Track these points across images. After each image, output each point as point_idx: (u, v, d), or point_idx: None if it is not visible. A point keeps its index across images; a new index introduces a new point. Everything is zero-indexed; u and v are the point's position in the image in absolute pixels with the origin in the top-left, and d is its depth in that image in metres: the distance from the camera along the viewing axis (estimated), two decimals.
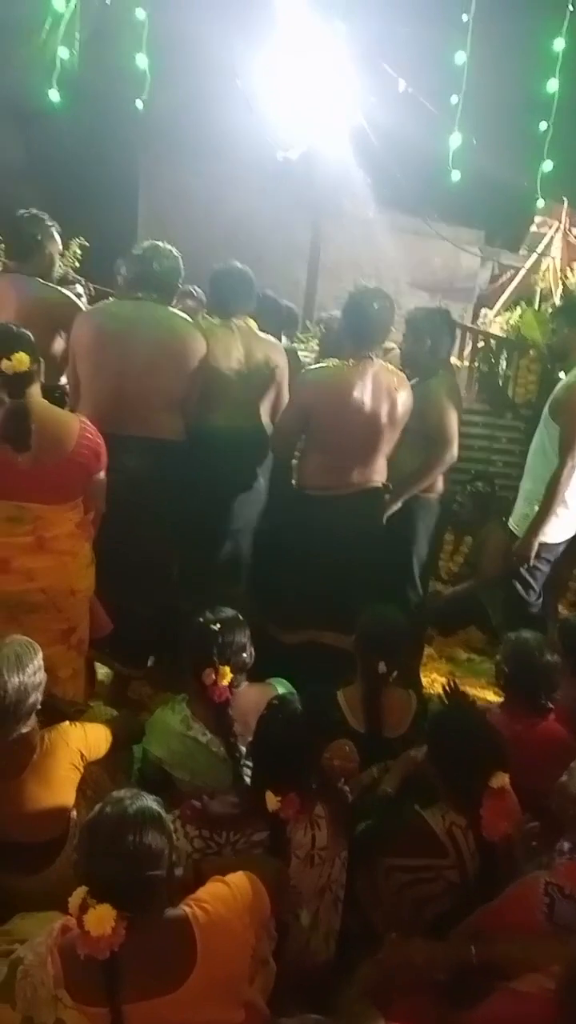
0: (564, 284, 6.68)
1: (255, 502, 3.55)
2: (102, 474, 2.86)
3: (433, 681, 4.21)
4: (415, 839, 2.15)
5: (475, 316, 7.96)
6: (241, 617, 2.62)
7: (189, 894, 1.69)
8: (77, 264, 5.37)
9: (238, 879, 1.74)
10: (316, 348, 4.70)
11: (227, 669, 2.43)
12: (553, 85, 4.35)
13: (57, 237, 3.62)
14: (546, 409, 3.74)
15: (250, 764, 2.42)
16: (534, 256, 7.28)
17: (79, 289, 3.69)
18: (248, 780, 2.38)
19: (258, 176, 8.68)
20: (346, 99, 5.69)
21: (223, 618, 2.55)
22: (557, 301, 6.37)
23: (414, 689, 3.04)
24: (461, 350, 6.18)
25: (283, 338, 4.32)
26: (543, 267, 7.09)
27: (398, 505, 3.59)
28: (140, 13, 3.94)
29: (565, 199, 6.98)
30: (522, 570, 3.82)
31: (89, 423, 2.82)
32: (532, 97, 4.60)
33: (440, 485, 3.82)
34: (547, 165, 4.62)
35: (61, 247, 3.66)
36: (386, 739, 2.70)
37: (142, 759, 2.57)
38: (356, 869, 2.19)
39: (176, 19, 4.56)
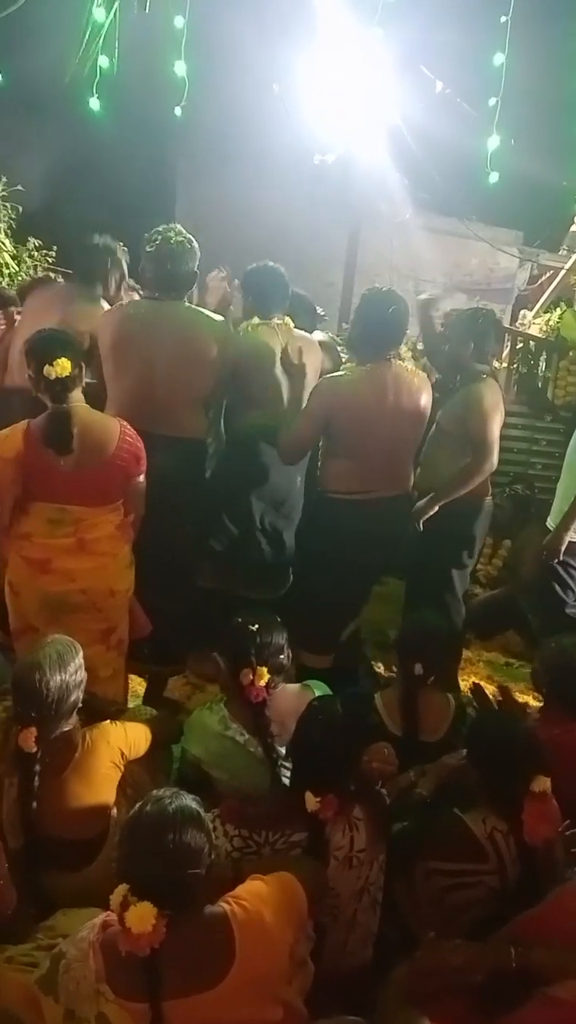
0: None
1: (297, 500, 3.57)
2: (142, 477, 2.89)
3: (478, 683, 4.18)
4: (456, 843, 2.14)
5: (514, 317, 7.89)
6: (279, 619, 2.63)
7: (228, 892, 1.70)
8: None
9: (277, 879, 1.75)
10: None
11: (264, 670, 2.44)
12: None
13: (124, 264, 3.64)
14: None
15: (288, 765, 2.44)
16: (575, 257, 7.19)
17: (135, 296, 3.71)
18: (286, 781, 2.39)
19: (295, 181, 8.71)
20: (383, 102, 5.68)
21: (261, 619, 2.56)
22: None
23: (452, 694, 3.02)
24: (500, 352, 6.13)
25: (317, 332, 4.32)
26: None
27: (435, 510, 3.50)
28: (179, 20, 3.98)
29: None
30: (559, 570, 3.79)
31: (129, 427, 2.85)
32: (571, 98, 4.56)
33: (482, 487, 3.78)
34: None
35: (127, 272, 3.68)
36: (423, 743, 2.68)
37: (181, 759, 2.59)
38: (394, 871, 2.19)
39: (214, 26, 4.60)
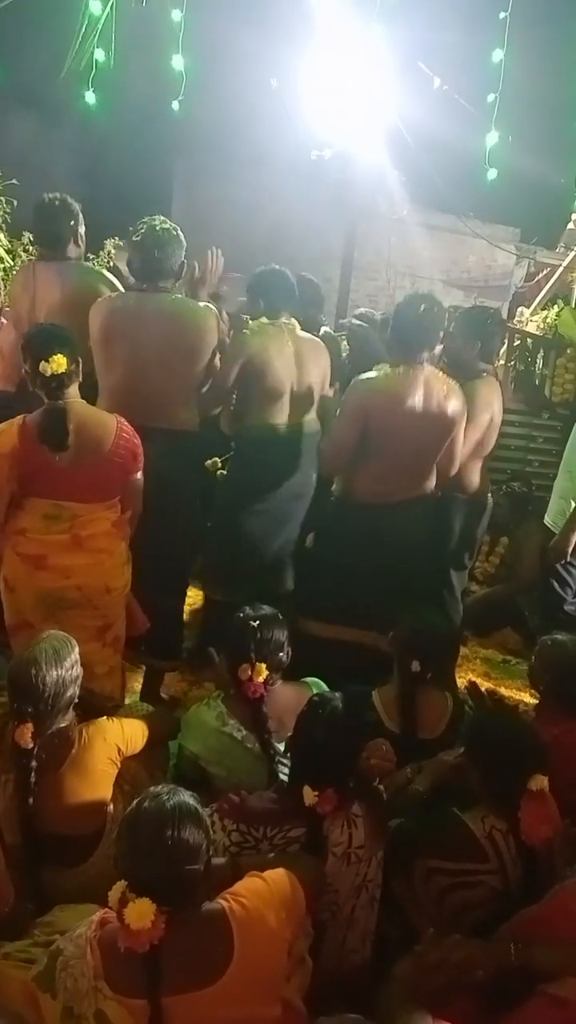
0: None
1: (307, 498, 3.59)
2: (139, 474, 2.88)
3: (473, 680, 4.19)
4: (456, 842, 2.14)
5: (511, 315, 7.89)
6: (281, 616, 2.63)
7: (226, 889, 1.70)
8: (111, 263, 5.42)
9: (275, 875, 1.74)
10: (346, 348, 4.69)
11: (263, 666, 2.44)
12: None
13: (81, 217, 3.58)
14: None
15: (285, 762, 2.44)
16: (572, 254, 7.19)
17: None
18: (283, 777, 2.39)
19: (292, 177, 8.70)
20: (381, 98, 5.67)
21: (263, 615, 2.56)
22: None
23: (449, 691, 3.02)
24: (500, 351, 6.14)
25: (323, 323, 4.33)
26: None
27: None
28: (176, 15, 3.96)
29: None
30: (559, 567, 3.80)
31: (126, 423, 2.84)
32: (570, 95, 4.56)
33: (478, 484, 3.79)
34: None
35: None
36: (421, 740, 2.68)
37: (178, 755, 2.59)
38: (393, 868, 2.19)
39: (211, 21, 4.58)
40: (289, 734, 2.47)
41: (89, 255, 3.64)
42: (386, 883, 2.17)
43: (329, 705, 2.18)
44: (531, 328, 6.28)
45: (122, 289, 3.45)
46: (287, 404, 3.46)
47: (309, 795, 1.99)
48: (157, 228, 3.17)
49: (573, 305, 6.50)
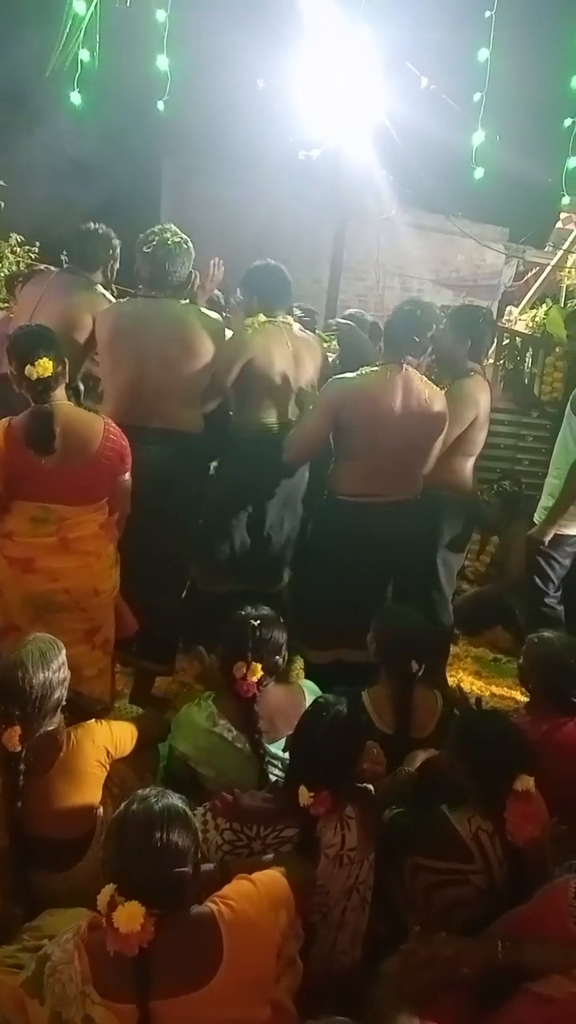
0: None
1: (299, 494, 3.59)
2: (127, 476, 2.88)
3: (459, 681, 4.19)
4: (442, 842, 2.13)
5: (500, 314, 7.91)
6: (281, 619, 2.62)
7: (215, 891, 1.69)
8: None
9: (264, 877, 1.74)
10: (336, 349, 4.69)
11: (258, 666, 2.43)
12: None
13: (118, 253, 3.64)
14: (569, 404, 3.73)
15: (275, 763, 2.43)
16: (560, 253, 7.22)
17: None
18: (273, 778, 2.39)
19: (281, 177, 8.70)
20: (368, 98, 5.67)
21: (263, 615, 2.56)
22: None
23: (439, 689, 3.01)
24: (489, 350, 6.15)
25: None
26: (569, 264, 7.03)
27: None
28: (161, 15, 3.95)
29: None
30: (542, 562, 3.83)
31: (114, 424, 2.84)
32: (556, 93, 4.55)
33: (468, 483, 3.79)
34: (572, 161, 4.56)
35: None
36: (413, 740, 2.68)
37: (168, 756, 2.58)
38: (385, 865, 2.18)
39: (197, 21, 4.57)
40: (279, 736, 2.47)
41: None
42: (378, 880, 2.16)
43: (333, 708, 2.18)
44: (520, 327, 6.30)
45: None
46: (285, 403, 3.47)
47: (304, 796, 1.99)
48: (169, 241, 3.20)
49: (562, 304, 6.52)
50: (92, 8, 3.77)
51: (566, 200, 4.98)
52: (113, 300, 3.57)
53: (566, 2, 4.66)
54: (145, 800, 1.63)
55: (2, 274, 5.38)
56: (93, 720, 2.33)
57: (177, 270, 3.23)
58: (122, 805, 1.66)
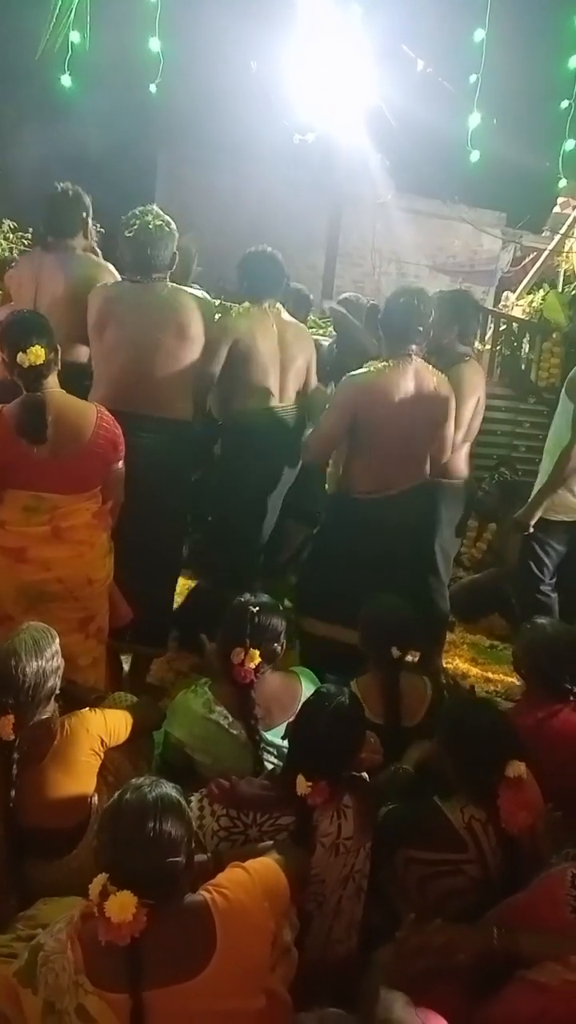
0: None
1: (288, 483, 3.58)
2: (120, 464, 2.86)
3: (456, 668, 4.20)
4: (434, 833, 2.13)
5: (497, 299, 7.88)
6: (280, 607, 2.61)
7: (209, 880, 1.69)
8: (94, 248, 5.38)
9: (258, 865, 1.73)
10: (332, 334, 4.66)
11: (256, 653, 2.43)
12: (575, 62, 4.26)
13: (91, 210, 3.60)
14: (564, 389, 3.71)
15: (271, 750, 2.43)
16: (557, 237, 7.18)
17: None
18: (269, 766, 2.38)
19: (276, 164, 8.64)
20: (363, 81, 5.62)
21: (262, 602, 2.55)
22: None
23: (434, 677, 3.01)
24: (483, 334, 6.12)
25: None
26: (566, 248, 7.00)
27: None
28: None
29: None
30: (537, 548, 3.82)
31: (107, 412, 2.82)
32: (553, 75, 4.52)
33: (464, 469, 3.78)
34: (569, 144, 4.54)
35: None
36: (403, 728, 2.67)
37: (163, 743, 2.57)
38: (379, 857, 2.18)
39: (189, 3, 4.53)
40: (275, 723, 2.47)
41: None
42: (373, 871, 2.16)
43: (335, 699, 2.17)
44: (517, 312, 6.28)
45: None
46: (273, 389, 3.45)
47: (302, 785, 1.98)
48: (150, 225, 3.16)
49: (559, 289, 6.49)
50: None
51: (563, 184, 4.96)
52: (103, 263, 3.54)
53: None
54: (139, 789, 1.62)
55: None
56: (87, 709, 2.32)
57: (160, 253, 3.18)
58: (116, 794, 1.65)
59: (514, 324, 6.20)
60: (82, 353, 3.39)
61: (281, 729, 2.44)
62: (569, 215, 7.39)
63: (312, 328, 5.26)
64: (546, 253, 7.36)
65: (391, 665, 2.72)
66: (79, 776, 2.17)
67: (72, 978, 1.52)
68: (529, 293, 6.79)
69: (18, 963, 1.62)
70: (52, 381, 2.69)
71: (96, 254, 3.61)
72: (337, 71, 5.46)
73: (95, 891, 1.53)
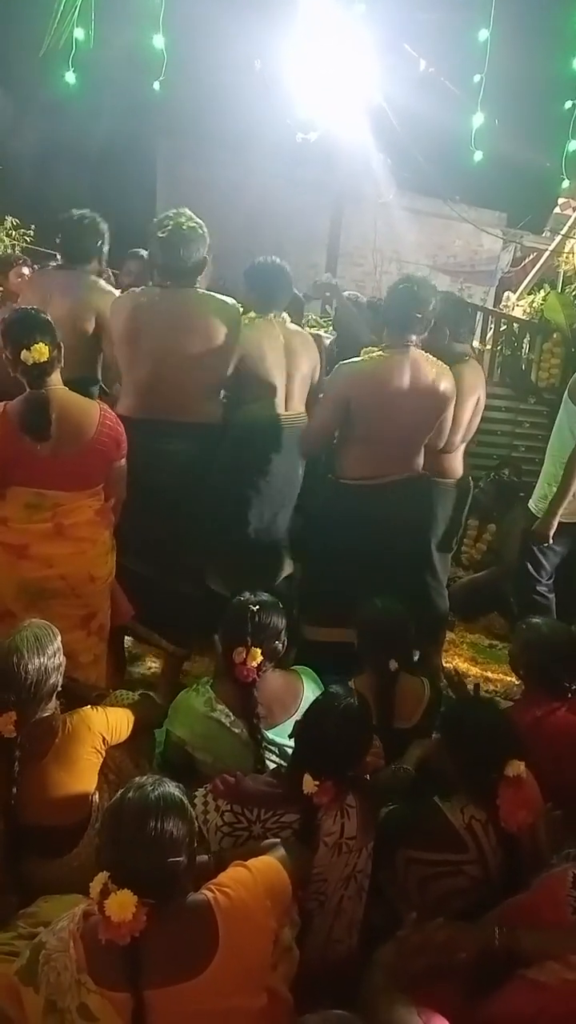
0: None
1: (295, 489, 3.57)
2: (122, 461, 2.86)
3: (455, 667, 4.20)
4: (434, 833, 2.13)
5: (497, 299, 7.89)
6: (281, 605, 2.61)
7: (211, 879, 1.69)
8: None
9: (260, 864, 1.73)
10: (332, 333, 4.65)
11: (258, 651, 2.43)
12: None
13: (107, 236, 3.62)
14: (567, 391, 3.72)
15: (272, 749, 2.43)
16: (558, 238, 7.18)
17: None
18: (270, 765, 2.38)
19: (278, 162, 8.63)
20: (366, 80, 5.61)
21: (262, 600, 2.55)
22: None
23: (432, 678, 3.01)
24: (483, 334, 6.13)
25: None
26: (567, 249, 7.00)
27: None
28: None
29: None
30: (535, 550, 3.83)
31: (110, 410, 2.83)
32: (556, 76, 4.52)
33: (459, 470, 3.78)
34: (572, 145, 4.54)
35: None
36: (398, 730, 2.67)
37: (165, 741, 2.57)
38: (379, 858, 2.18)
39: (193, 1, 4.52)
40: (276, 722, 2.47)
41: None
42: (373, 872, 2.16)
43: (344, 699, 2.17)
44: (517, 313, 6.28)
45: None
46: (278, 397, 3.44)
47: (309, 783, 1.98)
48: (184, 226, 3.13)
49: (559, 290, 6.49)
50: None
51: (566, 184, 4.96)
52: (113, 291, 3.55)
53: None
54: (141, 788, 1.62)
55: None
56: (89, 706, 2.32)
57: (192, 256, 3.15)
58: (119, 793, 1.65)
59: (514, 324, 6.20)
60: (86, 373, 3.46)
61: (282, 728, 2.45)
62: (570, 216, 7.40)
63: (313, 328, 5.26)
64: (547, 254, 7.36)
65: (388, 674, 2.70)
66: (80, 774, 2.17)
67: (74, 977, 1.52)
68: (530, 294, 6.79)
69: (19, 961, 1.62)
70: (55, 379, 2.68)
71: (110, 280, 3.62)
72: (339, 69, 5.45)
73: (96, 889, 1.53)
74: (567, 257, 6.95)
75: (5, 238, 5.80)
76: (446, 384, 3.28)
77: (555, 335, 5.84)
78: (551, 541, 3.77)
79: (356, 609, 2.92)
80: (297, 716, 2.37)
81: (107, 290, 3.56)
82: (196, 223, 3.18)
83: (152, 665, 3.73)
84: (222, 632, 2.54)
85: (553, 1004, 1.62)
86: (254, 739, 2.42)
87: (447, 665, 4.09)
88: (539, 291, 6.46)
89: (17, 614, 2.64)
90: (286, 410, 3.47)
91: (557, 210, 7.95)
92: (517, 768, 2.06)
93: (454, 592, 4.37)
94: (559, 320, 5.85)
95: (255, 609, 2.50)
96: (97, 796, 2.20)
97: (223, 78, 6.41)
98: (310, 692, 2.56)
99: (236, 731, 2.44)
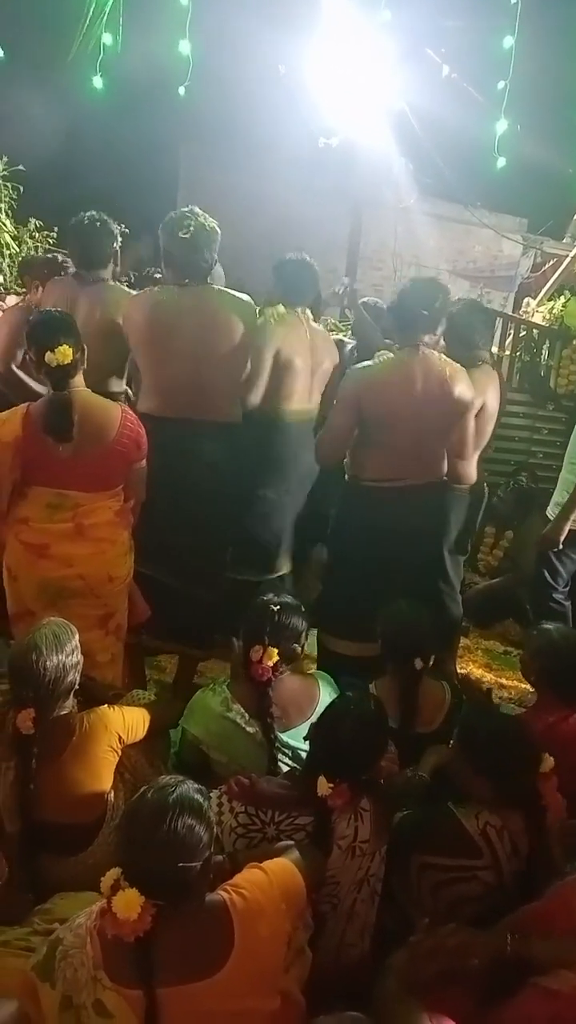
0: None
1: (311, 481, 3.59)
2: (143, 463, 2.87)
3: (470, 673, 4.20)
4: (449, 839, 2.13)
5: (517, 305, 7.85)
6: (303, 607, 2.62)
7: (226, 880, 1.69)
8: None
9: (275, 866, 1.74)
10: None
11: (275, 651, 2.43)
12: None
13: (119, 237, 3.61)
14: None
15: (286, 751, 2.43)
16: None
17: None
18: (283, 767, 2.39)
19: (299, 166, 8.64)
20: (389, 86, 5.62)
21: (284, 601, 2.56)
22: None
23: (447, 681, 3.00)
24: (502, 339, 6.10)
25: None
26: None
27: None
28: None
29: None
30: (552, 557, 3.82)
31: (131, 412, 2.85)
32: None
33: (473, 476, 3.76)
34: None
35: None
36: (418, 734, 2.67)
37: (180, 740, 2.58)
38: (392, 863, 2.19)
39: (219, 7, 4.54)
40: (291, 725, 2.48)
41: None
42: (386, 876, 2.16)
43: (361, 703, 2.18)
44: (537, 319, 6.24)
45: None
46: (301, 392, 3.47)
47: (323, 786, 1.99)
48: (206, 227, 3.13)
49: None
50: None
51: None
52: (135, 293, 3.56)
53: None
54: (162, 789, 1.60)
55: (20, 260, 5.36)
56: (106, 705, 2.33)
57: (213, 256, 3.18)
58: (140, 791, 1.64)
59: (534, 331, 6.18)
60: (115, 384, 3.45)
61: (297, 731, 2.45)
62: None
63: (332, 331, 5.27)
64: (568, 260, 7.32)
65: (412, 674, 2.70)
66: (97, 772, 2.19)
67: (90, 973, 1.53)
68: (549, 300, 6.75)
69: (36, 957, 1.63)
70: (78, 380, 2.71)
71: (125, 281, 3.61)
72: (362, 75, 5.46)
73: (107, 884, 1.54)
74: None
75: (28, 240, 5.84)
76: (462, 385, 3.23)
77: (574, 341, 5.81)
78: (561, 546, 3.76)
79: (372, 621, 2.91)
80: (313, 720, 2.37)
81: (131, 292, 3.55)
82: (212, 223, 3.19)
83: (167, 666, 3.74)
84: (242, 631, 2.55)
85: (566, 1012, 1.62)
86: (267, 739, 2.42)
87: (461, 671, 4.08)
88: (559, 297, 6.42)
89: (36, 612, 2.66)
90: (303, 406, 3.50)
91: None
92: (549, 762, 2.10)
93: (470, 598, 4.36)
94: None
95: (276, 609, 2.50)
96: (112, 795, 2.22)
97: (247, 84, 6.43)
98: (327, 697, 2.55)
99: (250, 731, 2.44)
